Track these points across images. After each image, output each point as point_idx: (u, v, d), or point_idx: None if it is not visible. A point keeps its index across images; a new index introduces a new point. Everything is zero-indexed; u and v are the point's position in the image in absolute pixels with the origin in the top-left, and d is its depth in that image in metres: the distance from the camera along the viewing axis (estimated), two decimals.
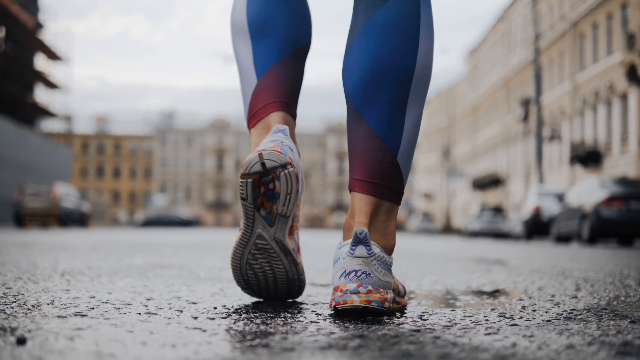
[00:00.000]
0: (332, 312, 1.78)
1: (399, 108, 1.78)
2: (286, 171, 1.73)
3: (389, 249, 1.78)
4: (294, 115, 1.94)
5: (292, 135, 1.90)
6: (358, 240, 1.71)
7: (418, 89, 1.80)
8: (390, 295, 1.72)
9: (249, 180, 1.74)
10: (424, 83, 1.81)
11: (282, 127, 1.81)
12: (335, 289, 1.70)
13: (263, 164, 1.71)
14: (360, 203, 1.78)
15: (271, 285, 1.90)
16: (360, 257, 1.69)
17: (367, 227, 1.74)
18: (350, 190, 1.82)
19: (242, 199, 1.77)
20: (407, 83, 1.77)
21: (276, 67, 1.93)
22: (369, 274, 1.70)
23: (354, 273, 1.69)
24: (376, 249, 1.72)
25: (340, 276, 1.71)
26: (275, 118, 1.89)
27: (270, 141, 1.77)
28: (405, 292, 1.92)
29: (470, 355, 1.18)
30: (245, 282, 1.90)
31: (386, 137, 1.78)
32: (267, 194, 1.77)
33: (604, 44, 38.77)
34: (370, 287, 1.68)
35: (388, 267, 1.75)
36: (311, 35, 2.02)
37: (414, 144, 1.85)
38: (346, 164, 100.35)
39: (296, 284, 1.92)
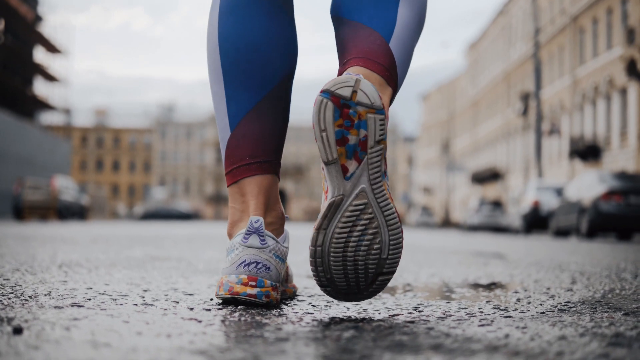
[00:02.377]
0: (328, 303, 1.79)
1: (389, 4, 1.66)
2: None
3: None
4: (275, 171, 1.76)
5: (270, 196, 1.74)
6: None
7: None
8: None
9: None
10: None
11: (257, 223, 1.65)
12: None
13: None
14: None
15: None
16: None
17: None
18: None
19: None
20: None
21: (253, 115, 1.72)
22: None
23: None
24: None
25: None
26: (252, 187, 1.72)
27: (244, 266, 1.65)
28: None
29: (462, 345, 1.19)
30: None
31: (375, 26, 1.64)
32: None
33: (603, 38, 38.72)
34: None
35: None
36: (296, 60, 1.79)
37: (410, 41, 1.68)
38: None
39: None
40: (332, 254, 1.53)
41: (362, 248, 1.52)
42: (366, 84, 1.45)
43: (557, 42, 46.26)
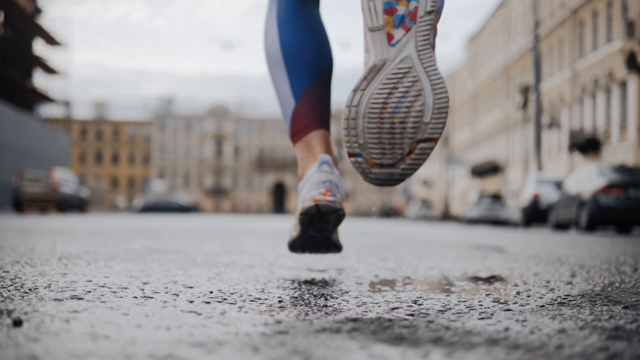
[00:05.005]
0: (327, 296, 1.78)
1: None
2: (337, 213, 2.02)
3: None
4: (329, 129, 2.22)
5: (329, 144, 2.19)
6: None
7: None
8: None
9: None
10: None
11: (326, 158, 2.06)
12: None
13: (319, 210, 1.99)
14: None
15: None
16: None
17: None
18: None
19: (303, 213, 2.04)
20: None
21: (311, 89, 2.18)
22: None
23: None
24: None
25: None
26: (316, 138, 2.15)
27: (321, 183, 2.02)
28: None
29: (462, 338, 1.19)
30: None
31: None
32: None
33: (603, 31, 38.68)
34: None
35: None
36: (332, 55, 2.25)
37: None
38: (345, 151, 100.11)
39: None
40: (368, 114, 1.55)
41: (402, 110, 1.54)
42: None
43: (556, 35, 46.20)
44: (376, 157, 1.57)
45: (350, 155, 1.59)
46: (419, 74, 1.50)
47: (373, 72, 1.51)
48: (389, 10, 1.52)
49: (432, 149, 1.55)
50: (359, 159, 1.57)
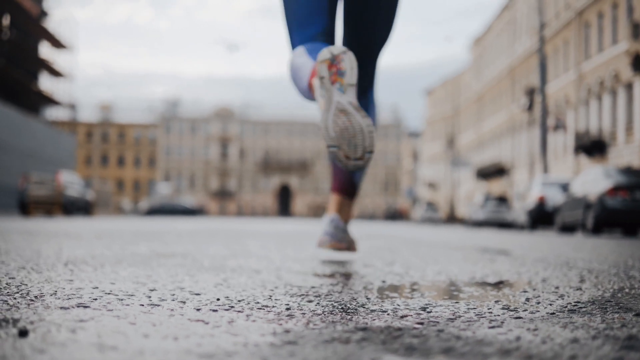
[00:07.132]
0: (335, 305, 1.77)
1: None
2: (348, 54, 2.39)
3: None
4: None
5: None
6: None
7: None
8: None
9: (324, 64, 2.38)
10: None
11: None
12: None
13: (331, 53, 2.39)
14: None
15: (352, 137, 2.41)
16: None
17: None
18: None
19: (321, 77, 2.39)
20: None
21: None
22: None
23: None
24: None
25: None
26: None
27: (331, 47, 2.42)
28: None
29: (474, 348, 1.17)
30: (332, 139, 2.41)
31: None
32: (337, 72, 2.38)
33: (609, 33, 38.59)
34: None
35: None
36: None
37: None
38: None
39: (368, 132, 2.42)
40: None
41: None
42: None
43: (562, 37, 46.13)
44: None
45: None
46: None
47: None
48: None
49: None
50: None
